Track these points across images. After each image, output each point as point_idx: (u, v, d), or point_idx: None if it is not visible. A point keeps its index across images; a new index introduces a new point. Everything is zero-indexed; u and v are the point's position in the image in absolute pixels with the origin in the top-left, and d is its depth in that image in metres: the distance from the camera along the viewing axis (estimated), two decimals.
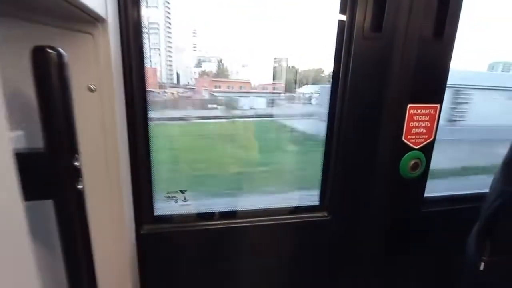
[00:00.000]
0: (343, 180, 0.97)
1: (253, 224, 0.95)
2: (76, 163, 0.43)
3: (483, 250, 0.75)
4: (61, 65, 0.40)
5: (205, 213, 0.95)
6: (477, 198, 1.15)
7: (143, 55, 0.75)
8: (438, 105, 0.96)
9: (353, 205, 1.00)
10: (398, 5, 0.84)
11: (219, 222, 0.94)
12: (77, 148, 0.42)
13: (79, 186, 0.44)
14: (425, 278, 1.19)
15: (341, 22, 0.87)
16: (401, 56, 0.88)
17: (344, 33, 0.87)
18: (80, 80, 0.56)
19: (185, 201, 0.88)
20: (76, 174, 0.43)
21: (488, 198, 0.76)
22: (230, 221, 0.94)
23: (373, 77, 0.89)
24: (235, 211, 0.98)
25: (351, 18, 0.84)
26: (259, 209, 1.00)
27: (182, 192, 0.88)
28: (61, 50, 0.40)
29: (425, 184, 1.04)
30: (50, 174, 0.40)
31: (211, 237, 0.93)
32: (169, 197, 0.87)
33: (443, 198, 1.17)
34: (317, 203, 1.03)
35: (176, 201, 0.88)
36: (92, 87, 0.58)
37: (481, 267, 0.75)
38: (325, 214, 0.99)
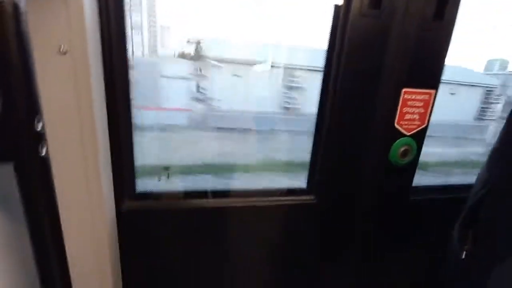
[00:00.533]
0: (331, 164, 0.95)
1: (239, 204, 0.94)
2: (38, 127, 0.39)
3: (465, 239, 0.76)
4: (17, 17, 0.35)
5: (190, 191, 0.92)
6: (465, 188, 1.16)
7: (123, 14, 0.69)
8: (434, 91, 0.93)
9: (340, 190, 0.99)
10: None
11: (203, 200, 0.92)
12: (38, 110, 0.38)
13: (42, 152, 0.40)
14: (412, 265, 1.20)
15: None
16: (399, 36, 0.84)
17: (341, 8, 0.82)
18: (48, 40, 0.51)
19: (168, 179, 0.85)
20: (38, 138, 0.39)
21: (474, 188, 0.76)
22: (215, 201, 0.93)
23: (369, 58, 0.86)
24: (220, 190, 0.96)
25: None
26: (246, 190, 0.98)
27: (165, 169, 0.85)
28: (18, 1, 0.35)
29: (414, 172, 1.03)
30: (6, 136, 0.37)
31: (195, 217, 0.92)
32: (152, 173, 0.84)
33: (432, 187, 1.17)
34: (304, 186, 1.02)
35: (159, 179, 0.85)
36: (63, 49, 0.53)
37: (463, 256, 0.75)
38: (312, 197, 0.98)
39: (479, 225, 0.73)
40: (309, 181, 0.99)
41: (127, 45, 0.73)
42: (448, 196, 1.13)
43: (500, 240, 0.65)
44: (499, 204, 0.66)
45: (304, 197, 0.98)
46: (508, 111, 0.68)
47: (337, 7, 0.83)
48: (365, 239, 1.08)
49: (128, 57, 0.73)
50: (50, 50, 0.51)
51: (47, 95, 0.39)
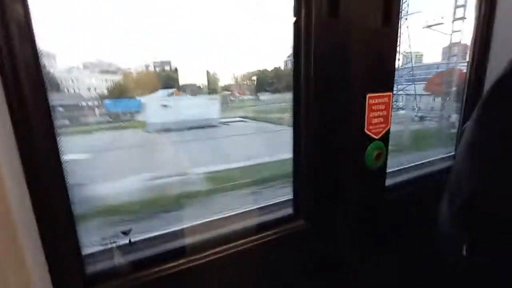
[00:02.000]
0: (316, 182, 0.89)
1: (221, 254, 0.77)
2: None
3: (463, 235, 0.72)
4: None
5: (159, 253, 0.72)
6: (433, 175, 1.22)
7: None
8: (391, 93, 0.97)
9: (329, 207, 0.93)
10: None
11: (173, 264, 0.71)
12: None
13: None
14: (404, 265, 1.19)
15: (297, 11, 0.78)
16: (357, 44, 0.85)
17: (302, 22, 0.78)
18: None
19: (130, 245, 0.65)
20: None
21: (458, 179, 0.73)
22: (187, 259, 0.73)
23: (334, 68, 0.84)
24: (192, 243, 0.77)
25: (308, 4, 0.76)
26: (224, 234, 0.81)
27: (125, 233, 0.64)
28: None
29: (386, 172, 1.05)
30: None
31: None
32: (106, 244, 0.63)
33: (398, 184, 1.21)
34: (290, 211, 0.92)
35: (119, 247, 0.64)
36: None
37: (464, 252, 0.70)
38: (302, 222, 0.89)
39: (476, 219, 0.70)
40: (295, 206, 0.91)
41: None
42: (417, 187, 1.19)
43: (501, 235, 0.65)
44: (499, 196, 0.64)
45: (293, 224, 0.88)
46: None
47: (297, 21, 0.79)
48: (354, 251, 1.04)
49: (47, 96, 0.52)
50: None
51: None
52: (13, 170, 0.43)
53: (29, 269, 0.44)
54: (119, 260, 0.62)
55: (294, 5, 0.79)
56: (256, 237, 0.82)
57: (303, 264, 0.92)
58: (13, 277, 0.41)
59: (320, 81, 0.82)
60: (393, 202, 1.12)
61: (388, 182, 1.09)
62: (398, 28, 0.92)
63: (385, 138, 0.99)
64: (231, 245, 0.76)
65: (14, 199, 0.41)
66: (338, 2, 0.78)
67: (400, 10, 0.91)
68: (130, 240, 0.65)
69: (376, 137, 0.96)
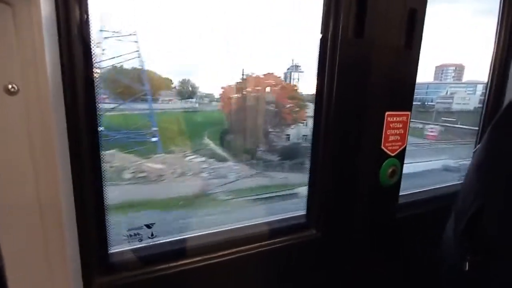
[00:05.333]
0: (330, 194, 0.91)
1: (236, 255, 0.80)
2: None
3: (465, 250, 0.74)
4: None
5: (176, 249, 0.75)
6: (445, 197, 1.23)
7: (89, 36, 0.55)
8: (409, 112, 0.99)
9: (341, 219, 0.94)
10: (376, 12, 0.84)
11: (189, 260, 0.74)
12: None
13: None
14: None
15: (325, 28, 0.83)
16: (379, 63, 0.88)
17: (328, 39, 0.82)
18: None
19: (152, 237, 0.68)
20: None
21: (464, 199, 0.76)
22: (201, 258, 0.76)
23: (356, 85, 0.87)
24: (207, 243, 0.80)
25: (336, 23, 0.80)
26: (238, 236, 0.84)
27: (148, 226, 0.68)
28: None
29: (399, 190, 1.06)
30: None
31: (179, 281, 0.73)
32: (130, 235, 0.66)
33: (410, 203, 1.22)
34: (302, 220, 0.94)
35: (141, 239, 0.67)
36: (12, 88, 0.37)
37: (466, 267, 0.75)
38: (314, 232, 0.90)
39: (480, 236, 0.72)
40: (308, 215, 0.93)
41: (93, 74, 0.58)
42: (428, 209, 1.19)
43: (505, 250, 0.66)
44: (501, 216, 0.67)
45: (305, 233, 0.90)
46: None
47: (324, 38, 0.83)
48: (367, 264, 1.05)
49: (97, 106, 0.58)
50: None
51: None
52: (64, 165, 0.47)
53: (66, 251, 0.48)
54: (141, 251, 0.66)
55: (322, 22, 0.83)
56: (268, 242, 0.85)
57: (312, 272, 0.93)
58: (54, 254, 0.45)
59: (341, 96, 0.85)
60: (404, 219, 1.13)
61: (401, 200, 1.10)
62: (419, 50, 0.95)
63: (401, 155, 1.00)
64: (245, 247, 0.79)
65: (62, 189, 0.45)
66: (364, 23, 0.82)
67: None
68: (152, 234, 0.68)
69: (392, 154, 0.98)
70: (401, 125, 0.98)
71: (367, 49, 0.85)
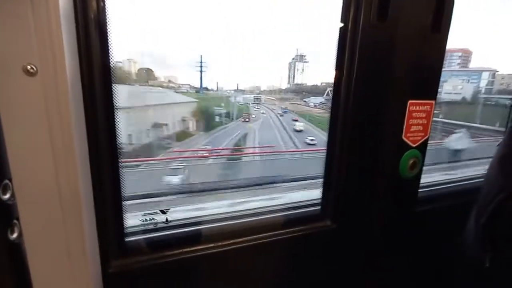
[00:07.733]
0: (346, 185, 0.88)
1: (248, 244, 0.79)
2: (6, 197, 0.23)
3: (487, 245, 0.73)
4: None
5: (190, 235, 0.76)
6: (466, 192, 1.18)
7: (105, 23, 0.54)
8: (434, 101, 0.93)
9: (357, 211, 0.92)
10: None
11: (203, 246, 0.75)
12: (6, 172, 0.23)
13: (13, 236, 0.24)
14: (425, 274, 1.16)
15: (345, 14, 0.78)
16: (403, 48, 0.83)
17: (349, 25, 0.78)
18: (11, 58, 0.35)
19: (167, 223, 0.69)
20: (5, 213, 0.23)
21: (487, 193, 0.74)
22: (216, 244, 0.76)
23: (377, 72, 0.82)
24: (223, 229, 0.81)
25: (358, 4, 0.76)
26: (252, 224, 0.84)
27: (163, 212, 0.68)
28: None
29: (419, 183, 1.01)
30: None
31: (194, 266, 0.75)
32: (145, 220, 0.67)
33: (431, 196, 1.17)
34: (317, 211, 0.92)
35: (156, 225, 0.68)
36: (30, 69, 0.37)
37: (487, 263, 0.73)
38: (329, 223, 0.89)
39: (502, 230, 0.72)
40: (323, 205, 0.91)
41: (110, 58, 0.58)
42: (450, 202, 1.14)
43: None
44: None
45: (320, 224, 0.88)
46: None
47: (344, 24, 0.79)
48: (379, 258, 1.02)
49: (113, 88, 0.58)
50: (14, 71, 0.35)
51: (12, 134, 0.25)
52: (81, 145, 0.48)
53: (85, 234, 0.49)
54: (156, 236, 0.67)
55: (343, 6, 0.79)
56: (282, 231, 0.84)
57: (325, 262, 0.92)
58: (72, 233, 0.46)
59: (361, 84, 0.82)
60: (422, 213, 1.09)
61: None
62: (448, 33, 0.88)
63: (423, 147, 0.95)
64: (259, 235, 0.78)
65: (80, 169, 0.46)
66: (389, 4, 0.77)
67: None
68: (167, 219, 0.69)
69: (413, 145, 0.93)
70: (424, 115, 0.93)
71: (390, 33, 0.80)
